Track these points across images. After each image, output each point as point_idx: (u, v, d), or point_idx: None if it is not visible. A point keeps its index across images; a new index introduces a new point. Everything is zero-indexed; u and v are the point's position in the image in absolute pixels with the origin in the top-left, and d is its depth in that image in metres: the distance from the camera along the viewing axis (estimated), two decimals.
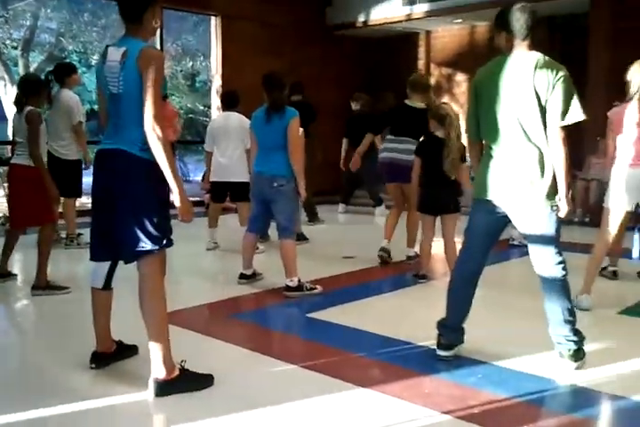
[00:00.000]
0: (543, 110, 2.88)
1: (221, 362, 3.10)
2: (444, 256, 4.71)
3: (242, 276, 4.70)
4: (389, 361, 3.15)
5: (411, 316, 3.96)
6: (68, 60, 8.00)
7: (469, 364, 3.07)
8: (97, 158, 2.82)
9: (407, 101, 5.37)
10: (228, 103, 6.05)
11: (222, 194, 6.06)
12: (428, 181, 4.71)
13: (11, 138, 11.58)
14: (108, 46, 2.79)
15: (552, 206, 2.95)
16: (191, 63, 15.06)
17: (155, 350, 2.72)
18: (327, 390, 2.77)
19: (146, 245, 2.68)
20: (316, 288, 4.41)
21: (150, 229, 2.67)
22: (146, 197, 2.69)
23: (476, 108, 3.09)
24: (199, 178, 11.47)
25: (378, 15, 9.99)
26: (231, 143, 5.82)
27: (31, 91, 4.47)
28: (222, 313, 4.15)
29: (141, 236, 2.66)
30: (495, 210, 3.04)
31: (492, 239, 3.14)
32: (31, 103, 4.43)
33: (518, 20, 2.93)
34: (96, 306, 3.00)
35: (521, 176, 2.95)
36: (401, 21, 9.83)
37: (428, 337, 3.28)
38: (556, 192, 2.95)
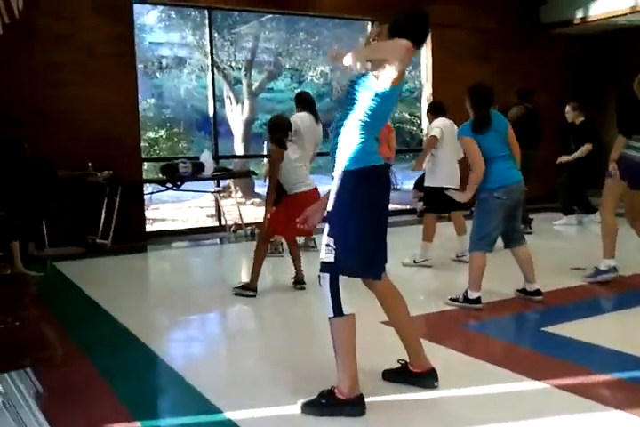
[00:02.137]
0: None
1: (460, 375, 3.13)
2: None
3: (473, 301, 4.24)
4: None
5: None
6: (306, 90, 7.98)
7: None
8: (383, 172, 2.78)
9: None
10: (438, 110, 6.01)
11: (444, 203, 5.50)
12: None
13: (238, 153, 12.31)
14: None
15: None
16: None
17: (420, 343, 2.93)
18: (581, 410, 2.67)
19: None
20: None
21: None
22: None
23: None
24: (408, 186, 11.52)
25: (598, 10, 9.40)
26: (455, 149, 5.72)
27: None
28: (453, 322, 4.11)
29: None
30: None
31: None
32: None
33: None
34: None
35: None
36: (625, 14, 9.14)
37: None
38: None
